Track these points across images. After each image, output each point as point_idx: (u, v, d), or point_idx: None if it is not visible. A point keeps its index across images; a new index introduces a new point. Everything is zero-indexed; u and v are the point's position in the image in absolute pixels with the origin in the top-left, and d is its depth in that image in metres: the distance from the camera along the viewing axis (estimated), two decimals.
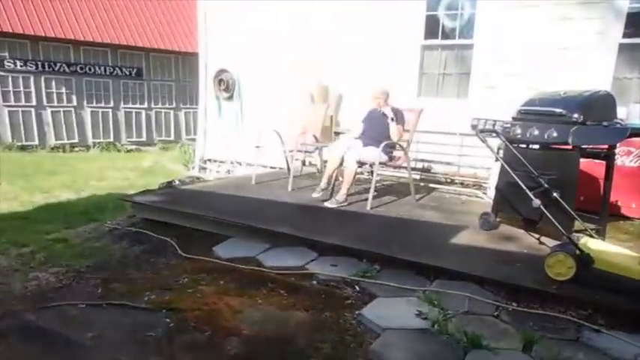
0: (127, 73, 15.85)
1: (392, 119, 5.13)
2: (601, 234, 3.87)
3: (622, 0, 5.67)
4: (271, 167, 7.66)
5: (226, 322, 2.79)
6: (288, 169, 6.13)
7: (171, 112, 17.22)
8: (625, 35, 5.74)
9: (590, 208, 4.18)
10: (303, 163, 6.94)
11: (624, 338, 2.67)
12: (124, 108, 16.01)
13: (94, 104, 15.41)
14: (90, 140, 15.41)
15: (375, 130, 5.21)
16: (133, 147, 15.98)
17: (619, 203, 4.93)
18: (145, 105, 16.52)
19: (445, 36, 6.92)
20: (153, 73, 16.57)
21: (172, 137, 17.04)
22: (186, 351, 2.51)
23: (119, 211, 5.49)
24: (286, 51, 7.93)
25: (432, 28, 6.93)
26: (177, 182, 6.73)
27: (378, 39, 7.12)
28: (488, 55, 6.52)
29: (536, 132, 3.88)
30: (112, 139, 15.79)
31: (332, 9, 7.40)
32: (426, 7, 6.85)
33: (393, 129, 5.14)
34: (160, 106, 16.90)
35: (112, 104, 15.72)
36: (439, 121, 6.56)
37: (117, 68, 15.59)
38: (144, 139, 16.54)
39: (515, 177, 3.82)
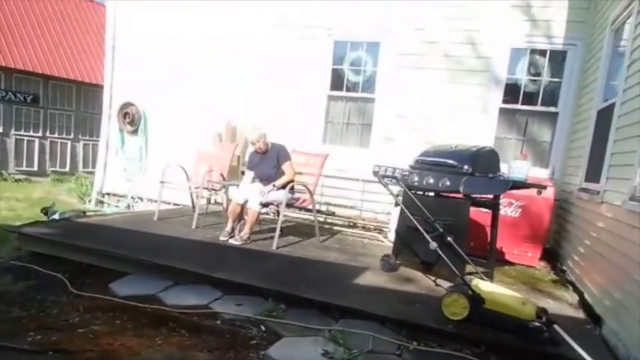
0: (22, 98, 14.74)
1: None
2: (489, 276, 4.19)
3: (501, 70, 6.45)
4: (175, 204, 7.46)
5: None
6: (193, 206, 6.01)
7: (69, 142, 16.19)
8: (504, 101, 6.51)
9: (479, 253, 4.54)
10: (209, 201, 6.83)
11: None
12: (15, 135, 14.78)
13: None
14: None
15: (268, 173, 5.30)
16: (22, 177, 14.71)
17: (503, 249, 5.38)
18: (40, 133, 15.40)
19: (349, 89, 7.32)
20: (51, 101, 15.58)
21: (68, 169, 15.95)
22: None
23: (3, 243, 5.03)
24: (195, 90, 7.91)
25: (338, 80, 7.31)
26: (56, 214, 6.08)
27: (286, 86, 7.35)
28: (388, 109, 6.98)
29: (432, 180, 4.22)
30: None
31: (239, 54, 7.57)
32: (332, 60, 7.24)
33: (284, 174, 5.26)
34: (56, 135, 15.83)
35: (0, 130, 14.48)
36: (343, 167, 6.88)
37: (10, 93, 14.44)
38: (35, 169, 15.30)
39: (415, 221, 4.07)
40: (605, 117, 4.64)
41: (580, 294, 4.33)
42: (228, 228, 5.19)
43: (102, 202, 8.87)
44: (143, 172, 8.40)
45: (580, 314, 3.89)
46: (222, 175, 6.06)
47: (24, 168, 15.02)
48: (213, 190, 6.10)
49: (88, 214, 6.94)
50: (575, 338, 3.14)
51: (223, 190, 6.33)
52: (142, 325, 3.17)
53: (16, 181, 14.24)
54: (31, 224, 5.04)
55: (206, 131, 7.52)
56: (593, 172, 4.72)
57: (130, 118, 8.40)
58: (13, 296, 3.56)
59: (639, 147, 3.47)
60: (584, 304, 4.10)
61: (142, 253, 4.24)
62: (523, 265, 5.39)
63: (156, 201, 6.20)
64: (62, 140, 16.02)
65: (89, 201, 9.15)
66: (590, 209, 4.59)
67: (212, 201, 7.12)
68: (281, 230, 5.16)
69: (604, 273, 3.85)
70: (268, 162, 5.33)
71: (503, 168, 4.45)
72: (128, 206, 8.49)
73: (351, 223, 7.05)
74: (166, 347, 2.89)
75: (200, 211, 5.79)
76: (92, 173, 10.02)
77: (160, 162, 6.60)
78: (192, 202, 6.21)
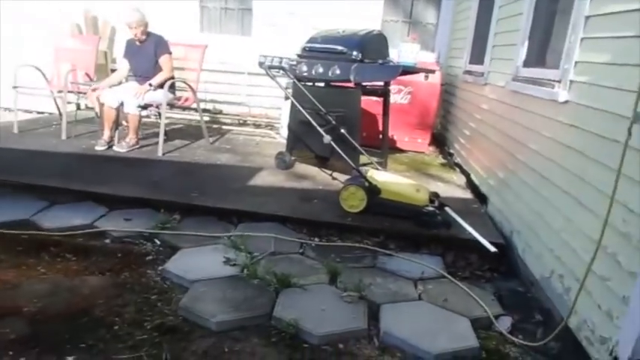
0: None
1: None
2: (383, 165, 4.28)
3: None
4: (39, 112, 6.58)
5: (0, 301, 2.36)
6: (60, 113, 5.33)
7: None
8: None
9: (372, 143, 4.59)
10: (78, 107, 6.10)
11: (411, 258, 3.05)
12: None
13: None
14: None
15: (146, 67, 4.78)
16: None
17: (395, 138, 5.51)
18: None
19: None
20: None
21: None
22: None
23: None
24: None
25: None
26: None
27: None
28: None
29: (321, 69, 4.04)
30: None
31: None
32: None
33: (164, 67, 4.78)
34: None
35: None
36: (225, 59, 6.39)
37: None
38: None
39: (306, 114, 3.94)
40: None
41: (467, 175, 4.61)
42: (105, 136, 4.70)
43: None
44: None
45: (468, 195, 4.16)
46: (87, 74, 5.35)
47: None
48: (80, 93, 5.41)
49: None
50: (465, 218, 3.35)
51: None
52: (19, 254, 2.84)
53: None
54: None
55: (63, 23, 6.48)
56: (478, 54, 4.83)
57: None
58: None
59: (522, 25, 3.53)
60: (471, 185, 4.38)
61: (4, 173, 3.72)
62: (414, 151, 5.60)
63: (13, 110, 5.38)
64: None
65: None
66: (474, 92, 4.75)
67: (82, 106, 6.38)
68: (166, 134, 4.79)
69: (488, 154, 4.07)
70: (146, 54, 4.75)
71: (392, 53, 4.38)
72: None
73: (241, 121, 6.77)
74: (51, 275, 2.64)
75: (69, 118, 5.15)
76: None
77: (11, 62, 5.64)
78: (58, 108, 5.49)
